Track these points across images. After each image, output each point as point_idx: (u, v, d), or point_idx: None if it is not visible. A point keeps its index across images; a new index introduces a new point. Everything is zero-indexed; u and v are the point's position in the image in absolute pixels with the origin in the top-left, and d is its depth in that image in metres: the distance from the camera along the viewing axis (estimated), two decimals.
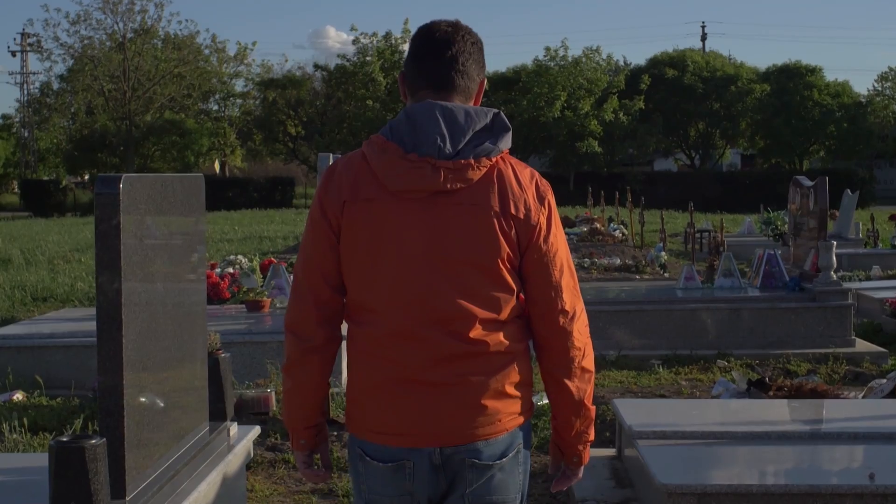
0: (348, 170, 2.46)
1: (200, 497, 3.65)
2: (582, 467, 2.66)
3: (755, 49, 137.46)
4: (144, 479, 3.39)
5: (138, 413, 3.35)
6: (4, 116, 59.75)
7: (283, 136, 47.35)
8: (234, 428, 4.40)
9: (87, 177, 49.77)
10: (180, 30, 50.23)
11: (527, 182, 2.47)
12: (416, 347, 2.41)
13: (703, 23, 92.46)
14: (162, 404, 3.61)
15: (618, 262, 14.82)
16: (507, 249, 2.42)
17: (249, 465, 5.24)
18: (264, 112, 47.13)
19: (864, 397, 6.53)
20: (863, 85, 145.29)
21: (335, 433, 5.85)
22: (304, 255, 2.51)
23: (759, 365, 8.03)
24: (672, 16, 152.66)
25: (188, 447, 3.85)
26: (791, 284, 9.31)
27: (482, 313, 2.42)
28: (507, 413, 2.47)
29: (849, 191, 19.50)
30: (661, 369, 8.03)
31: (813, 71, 46.94)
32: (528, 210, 2.44)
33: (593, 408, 2.58)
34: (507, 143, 2.45)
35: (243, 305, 8.77)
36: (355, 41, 42.65)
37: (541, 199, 2.48)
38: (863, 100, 49.15)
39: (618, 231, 18.74)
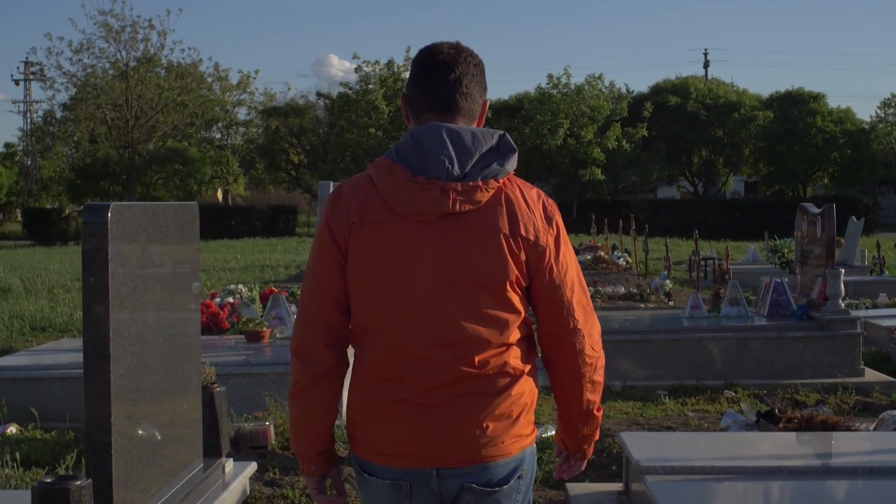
0: (355, 192, 2.44)
1: None
2: (585, 461, 2.72)
3: (758, 76, 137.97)
4: None
5: (128, 450, 3.24)
6: (7, 145, 60.18)
7: (286, 165, 47.45)
8: (229, 465, 4.28)
9: None
10: (183, 58, 50.23)
11: (534, 202, 2.47)
12: (421, 369, 2.38)
13: (706, 50, 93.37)
14: (153, 441, 3.49)
15: (622, 290, 14.71)
16: (516, 271, 2.41)
17: (246, 502, 5.10)
18: (267, 140, 47.27)
19: (875, 429, 6.39)
20: (866, 111, 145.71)
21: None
22: (312, 277, 2.48)
23: (768, 395, 7.89)
24: (674, 43, 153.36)
25: (181, 485, 3.73)
26: (799, 313, 9.17)
27: (489, 335, 2.40)
28: (510, 436, 2.44)
29: (854, 218, 19.40)
30: (667, 400, 7.89)
31: (816, 97, 46.97)
32: (536, 232, 2.43)
33: (601, 412, 2.61)
34: (513, 164, 2.45)
35: (242, 336, 8.66)
36: (358, 69, 42.70)
37: (548, 219, 2.47)
38: (866, 126, 49.16)
39: (622, 259, 18.63)
